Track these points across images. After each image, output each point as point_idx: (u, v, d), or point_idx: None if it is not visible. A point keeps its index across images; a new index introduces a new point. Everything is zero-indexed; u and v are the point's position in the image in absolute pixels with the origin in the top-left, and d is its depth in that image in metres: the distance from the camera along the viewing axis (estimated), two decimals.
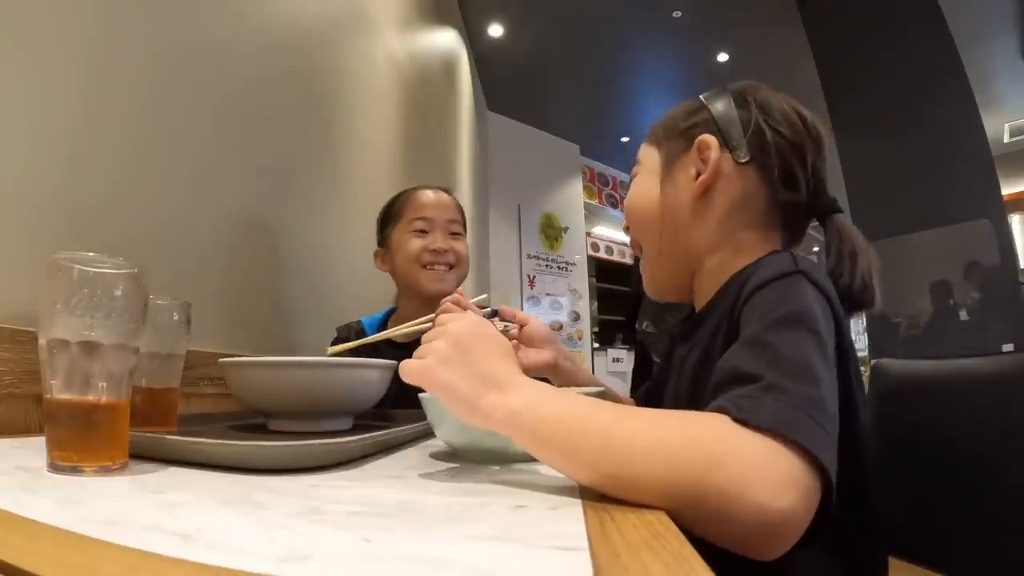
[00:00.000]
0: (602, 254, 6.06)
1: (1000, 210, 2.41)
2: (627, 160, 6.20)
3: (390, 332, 0.84)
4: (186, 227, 0.82)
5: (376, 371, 0.57)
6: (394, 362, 0.60)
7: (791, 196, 0.59)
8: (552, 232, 5.39)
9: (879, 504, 0.49)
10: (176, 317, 0.51)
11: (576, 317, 5.36)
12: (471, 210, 3.25)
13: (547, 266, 5.29)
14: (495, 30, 4.00)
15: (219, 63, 0.91)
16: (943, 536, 0.67)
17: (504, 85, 4.64)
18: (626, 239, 0.70)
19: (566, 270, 5.43)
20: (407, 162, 2.03)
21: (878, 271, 0.55)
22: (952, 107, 2.45)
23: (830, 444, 0.35)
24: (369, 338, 0.86)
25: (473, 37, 3.98)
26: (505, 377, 0.39)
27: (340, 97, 1.44)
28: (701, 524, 0.32)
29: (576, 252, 5.56)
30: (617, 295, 6.00)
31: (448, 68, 3.09)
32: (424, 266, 0.99)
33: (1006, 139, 5.00)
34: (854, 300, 0.54)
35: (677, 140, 0.62)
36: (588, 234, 5.87)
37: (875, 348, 2.60)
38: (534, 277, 5.15)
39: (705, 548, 0.28)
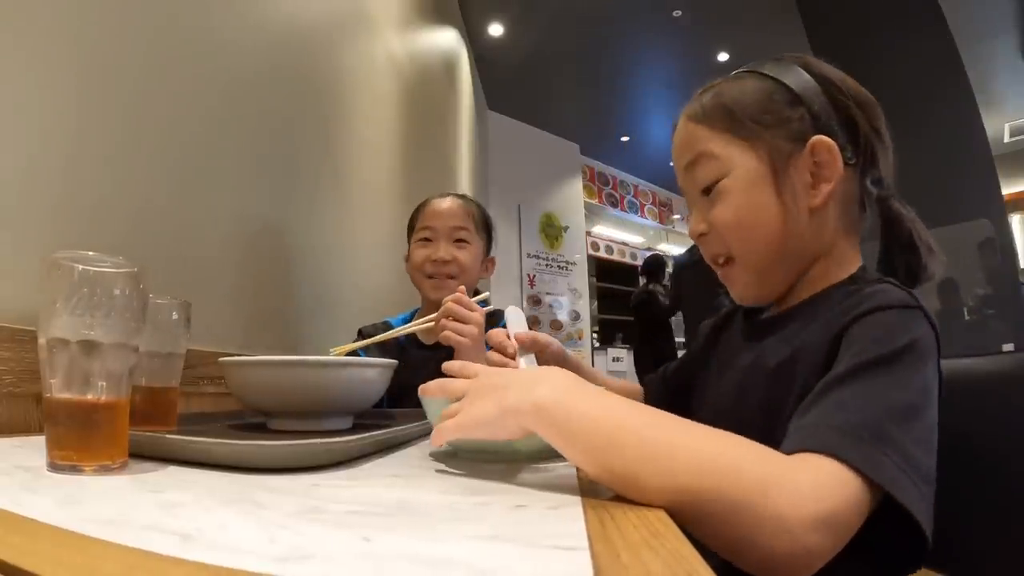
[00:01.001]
0: (602, 253, 6.06)
1: (1000, 210, 2.41)
2: (627, 159, 6.18)
3: (390, 334, 0.85)
4: (186, 226, 0.82)
5: (376, 370, 0.57)
6: (394, 361, 0.60)
7: (880, 193, 0.55)
8: (552, 231, 5.40)
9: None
10: (176, 316, 0.51)
11: (576, 316, 5.36)
12: None
13: (547, 265, 5.29)
14: (495, 29, 4.00)
15: (221, 62, 0.91)
16: (944, 536, 0.67)
17: (504, 84, 4.65)
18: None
19: (566, 269, 5.43)
20: (407, 161, 2.03)
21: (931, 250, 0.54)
22: (953, 107, 2.45)
23: (924, 501, 0.35)
24: (371, 339, 0.87)
25: (473, 36, 3.98)
26: (533, 376, 0.39)
27: (341, 96, 1.44)
28: (717, 541, 0.32)
29: (576, 251, 5.56)
30: (617, 294, 6.01)
31: (448, 67, 3.09)
32: (427, 275, 1.03)
33: (1006, 139, 5.00)
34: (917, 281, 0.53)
35: (779, 134, 0.54)
36: (588, 233, 5.87)
37: None
38: (534, 276, 5.16)
39: (705, 548, 0.28)
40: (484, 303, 0.86)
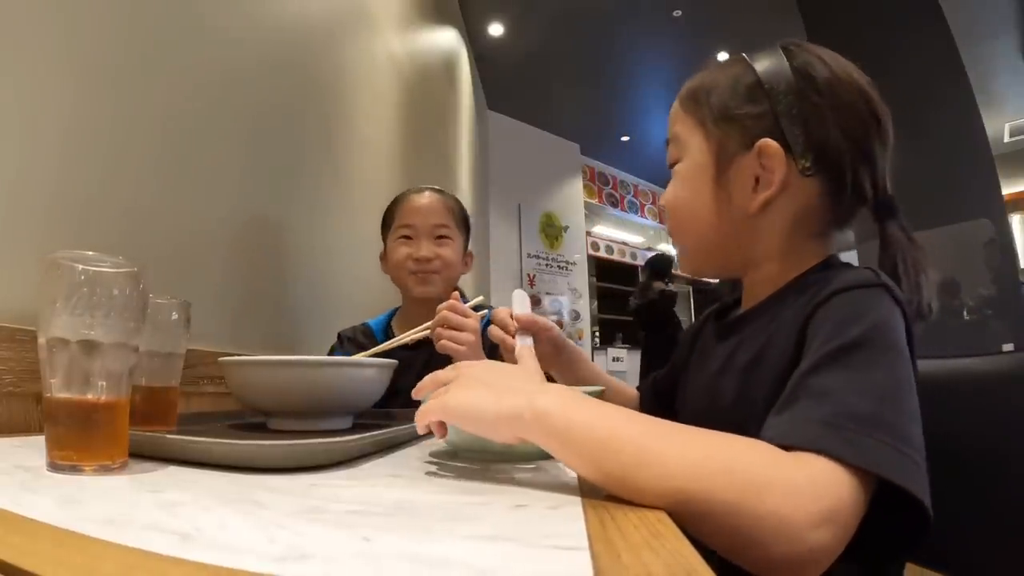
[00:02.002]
0: (602, 253, 6.06)
1: (1000, 210, 2.41)
2: (627, 159, 6.19)
3: (392, 343, 0.84)
4: (186, 225, 0.82)
5: (375, 370, 0.57)
6: (394, 361, 0.60)
7: (855, 206, 0.53)
8: (552, 231, 5.40)
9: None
10: (176, 316, 0.51)
11: (576, 316, 5.36)
12: (471, 209, 3.24)
13: (547, 265, 5.29)
14: (495, 29, 4.00)
15: (221, 61, 0.91)
16: (943, 536, 0.67)
17: (504, 84, 4.64)
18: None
19: (566, 269, 5.43)
20: (407, 161, 2.03)
21: (929, 275, 0.50)
22: (953, 107, 2.45)
23: (920, 472, 0.35)
24: (374, 349, 0.85)
25: (473, 36, 3.98)
26: (530, 385, 0.38)
27: (341, 95, 1.44)
28: (721, 542, 0.32)
29: (576, 251, 5.56)
30: (617, 294, 6.01)
31: (448, 67, 3.09)
32: (410, 273, 1.01)
33: (1006, 139, 5.00)
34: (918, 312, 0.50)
35: (730, 130, 0.53)
36: (588, 233, 5.87)
37: None
38: (534, 276, 5.16)
39: (705, 548, 0.28)
40: (479, 308, 0.85)
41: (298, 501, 0.30)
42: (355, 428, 0.56)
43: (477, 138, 4.24)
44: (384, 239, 1.08)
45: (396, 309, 1.10)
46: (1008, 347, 2.20)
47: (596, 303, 5.79)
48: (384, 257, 1.08)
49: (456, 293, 0.85)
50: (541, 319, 0.70)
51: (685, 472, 0.32)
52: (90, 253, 0.36)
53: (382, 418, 0.69)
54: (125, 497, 0.30)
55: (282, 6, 1.14)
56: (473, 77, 4.11)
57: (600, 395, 0.56)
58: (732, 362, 0.54)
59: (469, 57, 3.92)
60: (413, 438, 0.60)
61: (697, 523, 0.32)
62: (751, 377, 0.51)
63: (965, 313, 2.35)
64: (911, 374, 0.41)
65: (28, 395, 0.53)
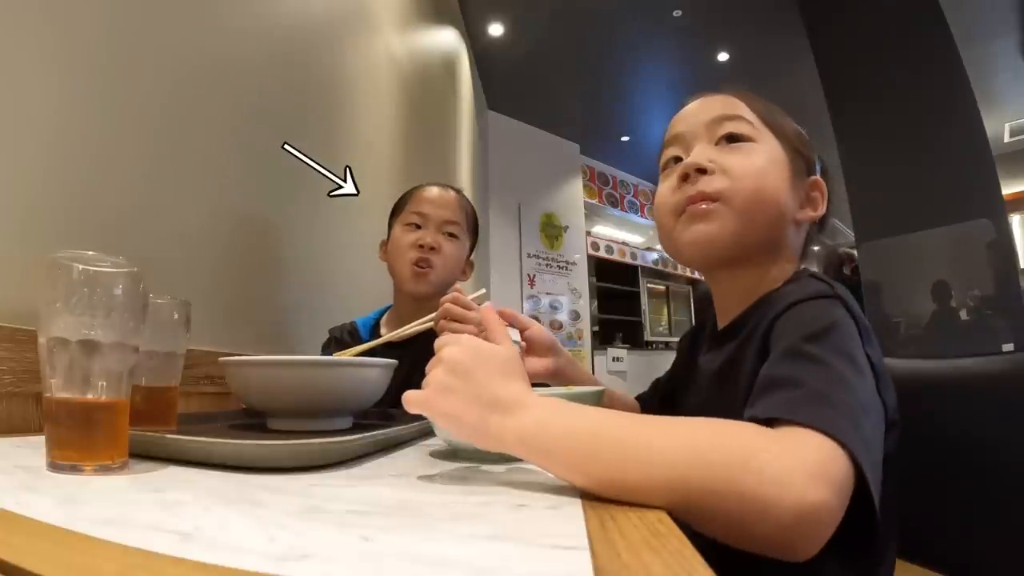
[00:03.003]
0: (602, 253, 6.06)
1: (1000, 210, 2.41)
2: (627, 159, 6.17)
3: (392, 335, 0.84)
4: (186, 225, 0.82)
5: (375, 370, 0.57)
6: (394, 361, 0.60)
7: (819, 235, 0.65)
8: (552, 231, 5.39)
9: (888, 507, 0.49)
10: (176, 316, 0.51)
11: (576, 316, 5.35)
12: None
13: (547, 265, 5.29)
14: (495, 29, 3.99)
15: (221, 60, 0.91)
16: (943, 536, 0.67)
17: (504, 84, 4.64)
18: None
19: (566, 269, 5.42)
20: (407, 161, 2.03)
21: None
22: (953, 107, 2.45)
23: (865, 445, 0.36)
24: (371, 343, 0.85)
25: (473, 36, 3.97)
26: (509, 397, 0.38)
27: (340, 95, 1.44)
28: (728, 528, 0.32)
29: (576, 251, 5.56)
30: (617, 294, 6.00)
31: (448, 67, 3.09)
32: (411, 261, 0.99)
33: (1006, 139, 5.00)
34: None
35: (798, 157, 0.61)
36: (588, 233, 5.87)
37: None
38: (534, 276, 5.15)
39: (705, 548, 0.28)
40: (481, 301, 0.85)
41: (298, 501, 0.30)
42: (355, 428, 0.56)
43: (477, 138, 4.24)
44: (390, 226, 1.06)
45: (387, 307, 1.10)
46: (1008, 347, 2.20)
47: (596, 303, 5.79)
48: (384, 245, 1.06)
49: (459, 286, 0.85)
50: (522, 317, 0.74)
51: (671, 460, 0.33)
52: (90, 253, 0.36)
53: (382, 418, 0.69)
54: (125, 497, 0.30)
55: (281, 4, 1.14)
56: (473, 77, 4.11)
57: (600, 396, 0.57)
58: (717, 371, 0.59)
59: (469, 57, 3.92)
60: (413, 438, 0.60)
61: (697, 512, 0.32)
62: (728, 386, 0.54)
63: (965, 313, 2.35)
64: (865, 379, 0.42)
65: (28, 395, 0.53)
